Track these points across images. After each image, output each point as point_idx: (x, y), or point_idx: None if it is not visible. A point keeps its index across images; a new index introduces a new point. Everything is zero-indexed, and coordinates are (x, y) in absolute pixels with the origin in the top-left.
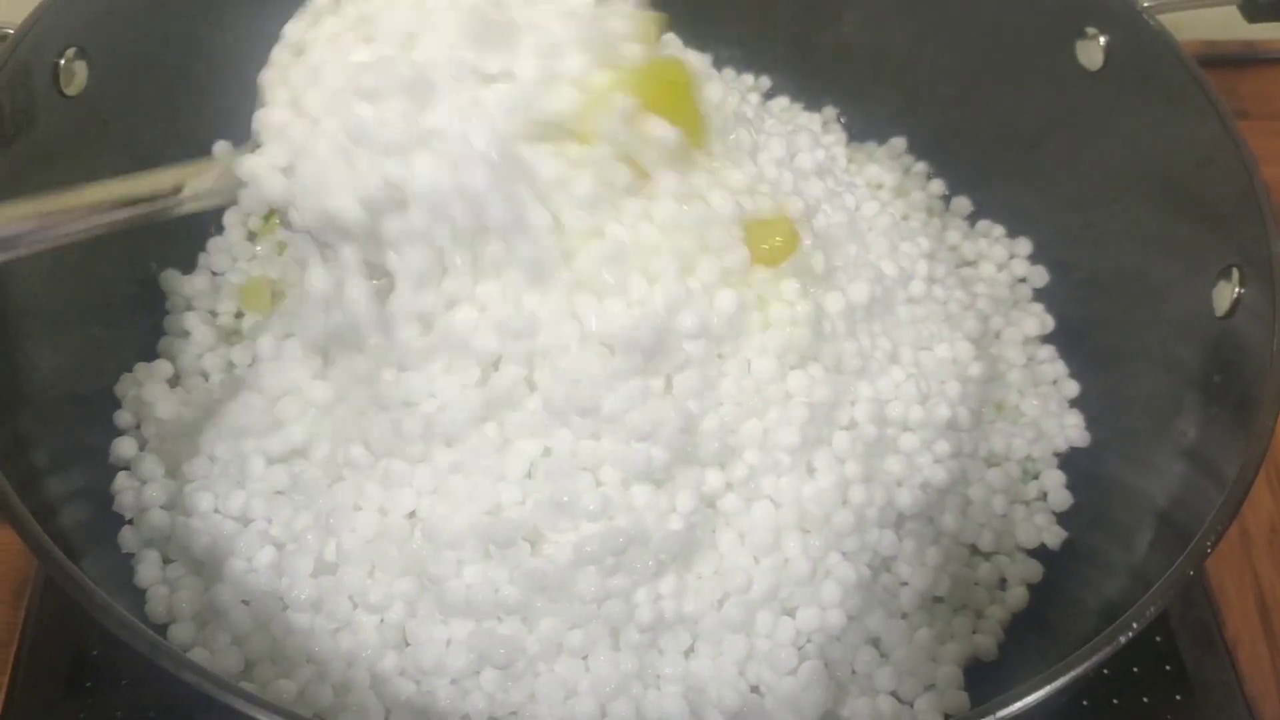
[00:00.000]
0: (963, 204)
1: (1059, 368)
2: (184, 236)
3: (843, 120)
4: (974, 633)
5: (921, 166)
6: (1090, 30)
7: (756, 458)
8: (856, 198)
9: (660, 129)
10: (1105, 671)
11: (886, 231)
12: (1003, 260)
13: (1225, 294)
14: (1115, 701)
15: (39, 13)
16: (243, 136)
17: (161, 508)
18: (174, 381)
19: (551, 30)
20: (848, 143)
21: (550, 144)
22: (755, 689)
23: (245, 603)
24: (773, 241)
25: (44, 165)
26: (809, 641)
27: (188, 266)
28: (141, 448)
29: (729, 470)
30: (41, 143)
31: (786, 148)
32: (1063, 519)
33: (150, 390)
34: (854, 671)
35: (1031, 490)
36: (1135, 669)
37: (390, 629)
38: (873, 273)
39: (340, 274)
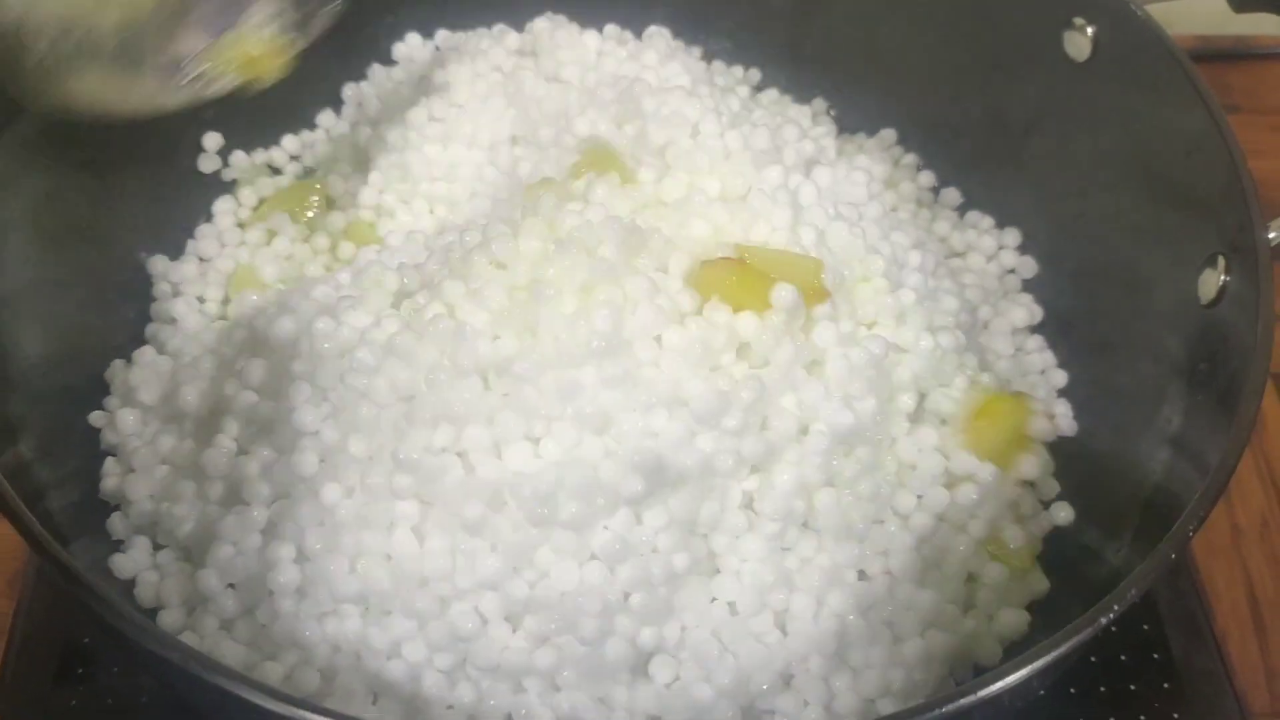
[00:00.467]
0: (952, 195)
1: (1047, 357)
2: (173, 223)
3: (832, 113)
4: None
5: (911, 158)
6: (1078, 21)
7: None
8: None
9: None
10: (1092, 659)
11: (878, 220)
12: (991, 251)
13: (1211, 282)
14: (1103, 689)
15: None
16: (232, 129)
17: (150, 496)
18: (161, 367)
19: None
20: (837, 135)
21: None
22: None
23: (231, 586)
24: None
25: (34, 151)
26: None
27: (175, 253)
28: (129, 435)
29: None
30: (32, 128)
31: (771, 139)
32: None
33: (138, 375)
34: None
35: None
36: (1123, 657)
37: (376, 616)
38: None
39: None
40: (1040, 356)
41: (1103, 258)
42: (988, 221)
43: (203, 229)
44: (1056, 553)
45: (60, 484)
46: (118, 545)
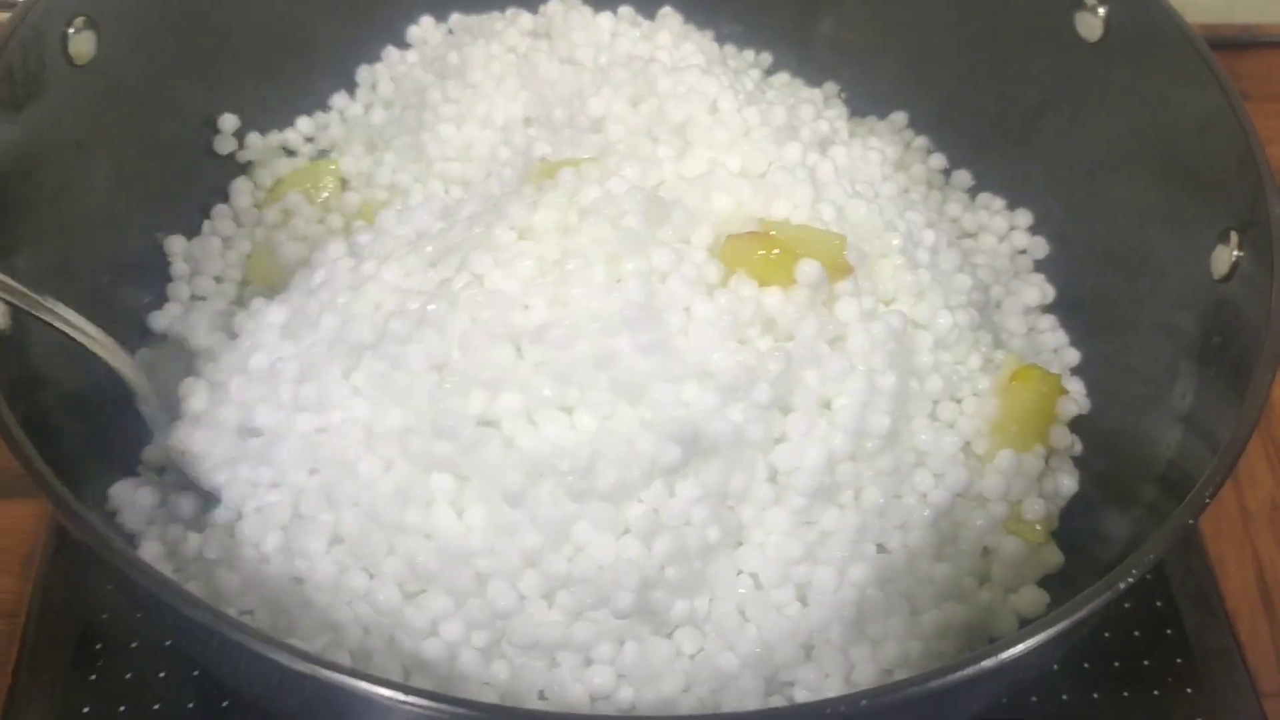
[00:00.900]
0: (963, 177)
1: (1059, 337)
2: (189, 204)
3: (843, 96)
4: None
5: (922, 141)
6: (1090, 1)
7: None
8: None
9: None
10: (1106, 635)
11: (893, 199)
12: (1003, 232)
13: (1224, 257)
14: (1116, 664)
15: None
16: (246, 108)
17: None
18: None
19: None
20: (849, 118)
21: None
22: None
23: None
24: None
25: (53, 132)
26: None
27: (192, 234)
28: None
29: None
30: (51, 111)
31: (788, 117)
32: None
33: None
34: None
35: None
36: (1136, 633)
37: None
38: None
39: None
40: (1053, 335)
41: (1114, 236)
42: (999, 203)
43: (219, 209)
44: (1070, 530)
45: (86, 464)
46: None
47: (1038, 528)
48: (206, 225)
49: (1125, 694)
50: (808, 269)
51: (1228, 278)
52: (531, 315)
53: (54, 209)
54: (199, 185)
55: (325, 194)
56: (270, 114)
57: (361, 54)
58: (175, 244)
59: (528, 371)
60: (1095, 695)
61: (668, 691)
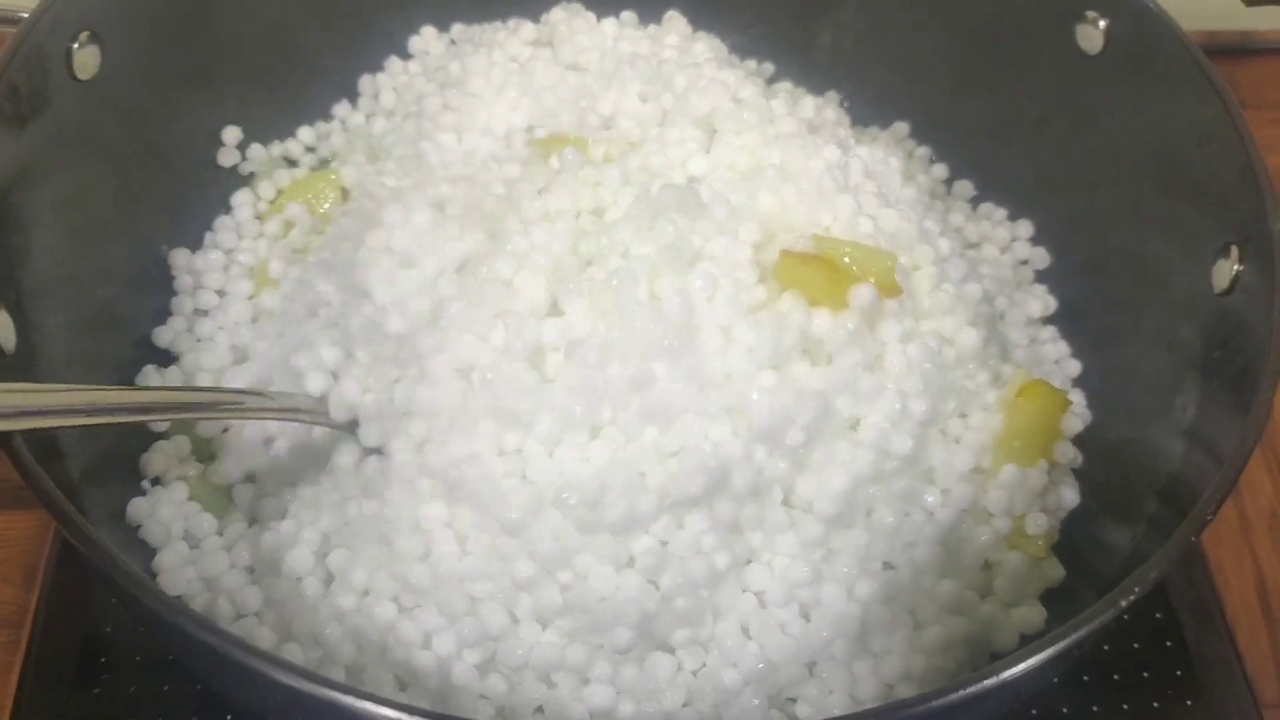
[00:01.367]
0: (965, 187)
1: (1061, 348)
2: (192, 216)
3: (845, 105)
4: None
5: (924, 150)
6: (1090, 14)
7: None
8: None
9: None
10: (1106, 647)
11: (913, 206)
12: (1005, 243)
13: (1225, 271)
14: (1116, 677)
15: None
16: (249, 120)
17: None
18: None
19: None
20: (850, 127)
21: None
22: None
23: (253, 581)
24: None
25: (57, 147)
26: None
27: (195, 246)
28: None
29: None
30: (55, 125)
31: (815, 112)
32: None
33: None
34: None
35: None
36: (1136, 645)
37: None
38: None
39: None
40: (1055, 347)
41: (1115, 248)
42: (1001, 213)
43: (221, 221)
44: (1071, 542)
45: (89, 473)
46: (135, 531)
47: (1040, 542)
48: (208, 238)
49: (1125, 706)
50: (864, 293)
51: (1229, 291)
52: (566, 327)
53: (58, 223)
54: (203, 198)
55: (327, 204)
56: (272, 125)
57: (363, 64)
58: (179, 257)
59: (553, 397)
60: (1095, 708)
61: (669, 706)
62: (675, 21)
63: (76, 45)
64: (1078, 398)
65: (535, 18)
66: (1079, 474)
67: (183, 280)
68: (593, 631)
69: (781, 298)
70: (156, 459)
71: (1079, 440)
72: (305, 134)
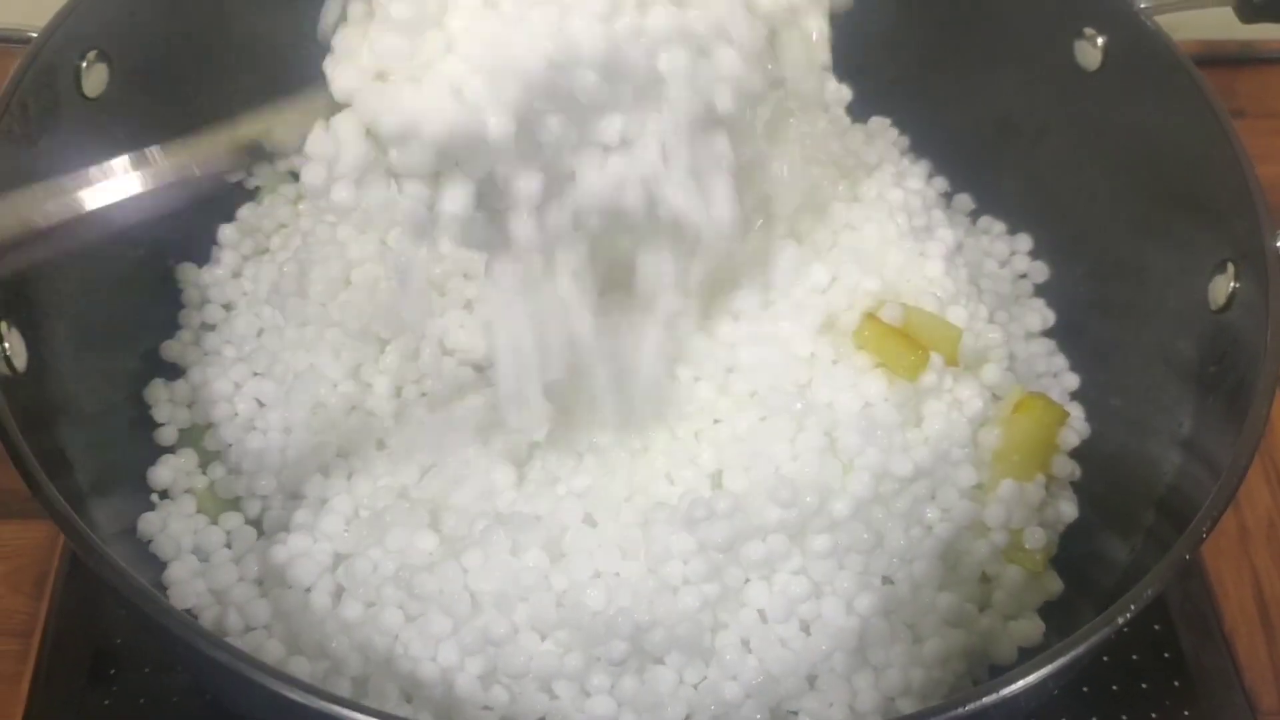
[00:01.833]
0: (964, 201)
1: (1059, 361)
2: (199, 231)
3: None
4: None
5: (923, 165)
6: (1089, 31)
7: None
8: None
9: None
10: (1105, 659)
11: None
12: (1004, 256)
13: (1221, 288)
14: (1115, 688)
15: (61, 16)
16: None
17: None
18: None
19: None
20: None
21: None
22: None
23: (262, 594)
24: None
25: (66, 165)
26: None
27: (202, 260)
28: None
29: None
30: (64, 143)
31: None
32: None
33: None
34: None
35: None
36: (1134, 656)
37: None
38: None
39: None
40: (1052, 360)
41: (1114, 262)
42: (1000, 227)
43: (226, 235)
44: (1069, 555)
45: (98, 486)
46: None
47: (1038, 556)
48: (214, 252)
49: (1123, 717)
50: (935, 367)
51: (1225, 308)
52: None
53: None
54: (209, 213)
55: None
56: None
57: None
58: (186, 271)
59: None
60: (1093, 719)
61: (670, 718)
62: None
63: (85, 64)
64: (1076, 411)
65: None
66: (1077, 487)
67: (190, 294)
68: (588, 643)
69: (854, 357)
70: (163, 472)
71: (1077, 453)
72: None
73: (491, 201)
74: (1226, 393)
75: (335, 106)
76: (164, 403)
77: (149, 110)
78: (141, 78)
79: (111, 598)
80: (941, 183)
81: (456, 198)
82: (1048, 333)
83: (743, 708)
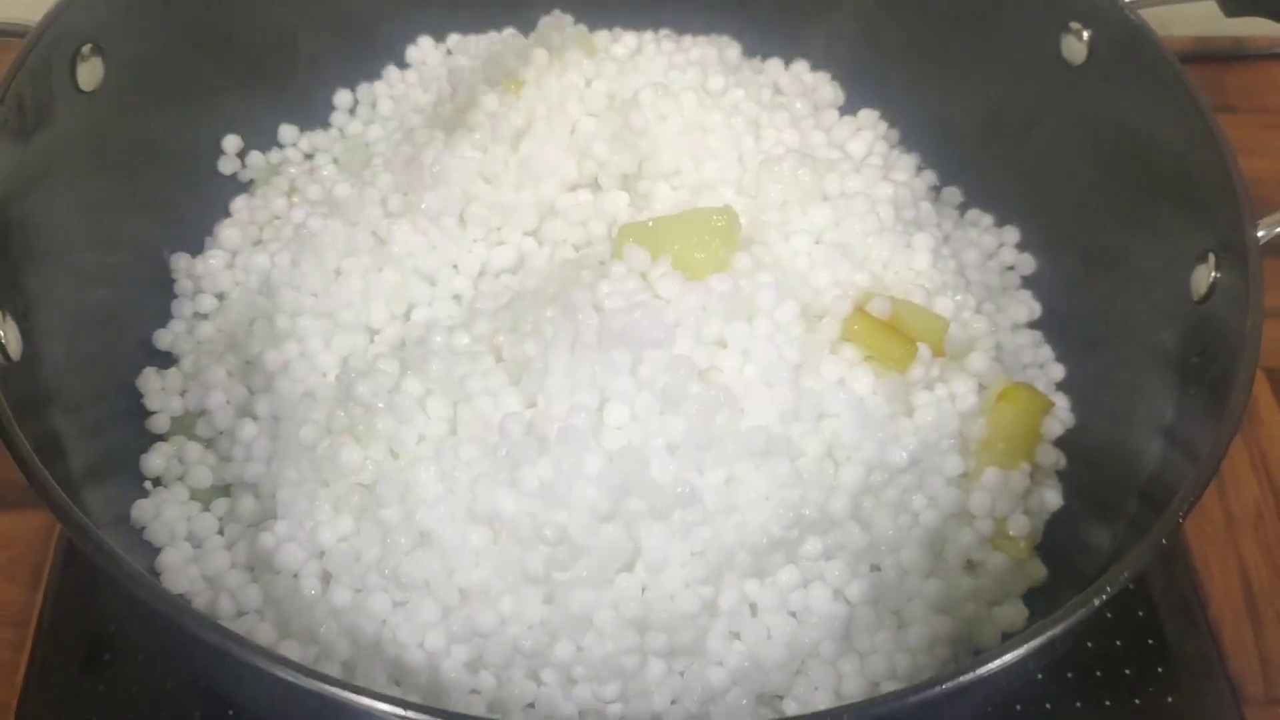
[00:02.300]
0: (953, 194)
1: (1045, 352)
2: (193, 222)
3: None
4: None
5: (912, 158)
6: (1074, 25)
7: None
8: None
9: None
10: (1089, 644)
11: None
12: (992, 249)
13: (1202, 278)
14: (1098, 674)
15: (57, 10)
16: (250, 128)
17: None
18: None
19: None
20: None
21: None
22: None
23: (253, 580)
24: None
25: (62, 158)
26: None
27: (196, 251)
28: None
29: None
30: (60, 136)
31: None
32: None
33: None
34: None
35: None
36: (1118, 642)
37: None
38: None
39: None
40: (1038, 350)
41: (1100, 255)
42: (988, 219)
43: (221, 226)
44: (1054, 543)
45: (92, 474)
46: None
47: (1022, 544)
48: (208, 242)
49: (1107, 703)
50: (923, 358)
51: (1206, 298)
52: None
53: (63, 230)
54: (204, 204)
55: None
56: (271, 133)
57: (361, 73)
58: (180, 261)
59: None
60: (1078, 704)
61: (657, 706)
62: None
63: (80, 57)
64: (1062, 401)
65: (526, 30)
66: (1062, 476)
67: (183, 284)
68: (575, 635)
69: (841, 349)
70: (156, 459)
71: (1062, 443)
72: (304, 143)
73: None
74: (1209, 383)
75: None
76: (157, 391)
77: (144, 103)
78: (136, 72)
79: (106, 585)
80: (930, 176)
81: None
82: (1034, 324)
83: (729, 694)
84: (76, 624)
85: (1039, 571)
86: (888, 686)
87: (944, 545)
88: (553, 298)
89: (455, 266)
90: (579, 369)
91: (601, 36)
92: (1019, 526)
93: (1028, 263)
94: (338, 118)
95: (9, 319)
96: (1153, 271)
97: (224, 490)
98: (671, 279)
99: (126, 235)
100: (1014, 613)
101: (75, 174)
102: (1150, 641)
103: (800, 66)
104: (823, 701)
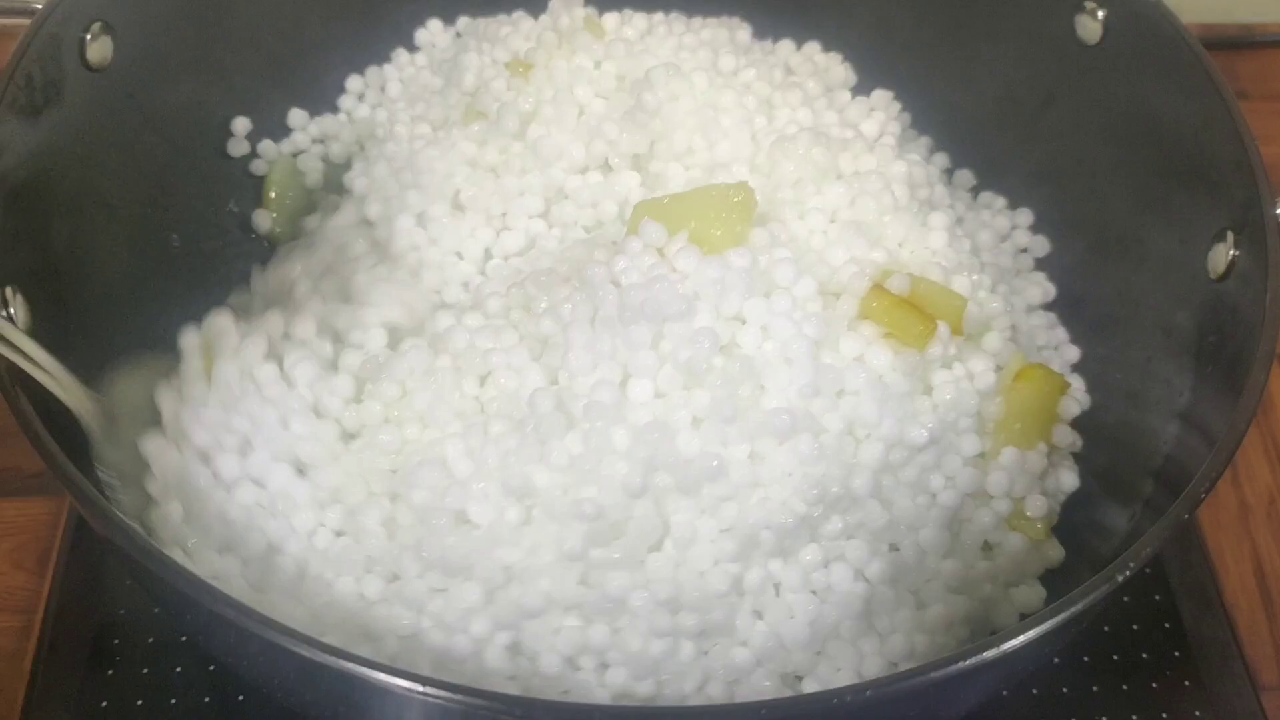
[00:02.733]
0: (965, 177)
1: (1060, 334)
2: (203, 203)
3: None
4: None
5: (925, 141)
6: (1089, 4)
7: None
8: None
9: None
10: (1105, 628)
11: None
12: (1005, 231)
13: (1220, 257)
14: (1115, 657)
15: None
16: (259, 111)
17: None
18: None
19: None
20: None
21: None
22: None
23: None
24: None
25: (71, 136)
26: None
27: (205, 231)
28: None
29: None
30: (69, 114)
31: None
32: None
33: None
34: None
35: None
36: (1135, 626)
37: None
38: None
39: None
40: (1053, 333)
41: (1114, 235)
42: (1001, 202)
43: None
44: (1070, 524)
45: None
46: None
47: (1039, 525)
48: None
49: (1124, 686)
50: (942, 337)
51: (1224, 277)
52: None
53: (72, 210)
54: (214, 185)
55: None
56: (280, 116)
57: (371, 57)
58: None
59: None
60: (1094, 688)
61: (687, 689)
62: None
63: (89, 36)
64: (1077, 383)
65: (536, 13)
66: (1078, 458)
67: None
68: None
69: (859, 326)
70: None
71: (1078, 424)
72: (313, 127)
73: None
74: (1225, 363)
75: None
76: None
77: (153, 82)
78: (146, 49)
79: (115, 567)
80: (942, 159)
81: None
82: (1048, 306)
83: (754, 675)
84: (84, 610)
85: (1056, 552)
86: (907, 666)
87: (961, 525)
88: (567, 276)
89: (459, 254)
90: (600, 344)
91: (611, 19)
92: (1036, 508)
93: (1041, 245)
94: (346, 101)
95: (19, 296)
96: (1168, 251)
97: None
98: (689, 253)
99: (134, 215)
100: (1031, 594)
101: (84, 153)
102: (1167, 625)
103: (812, 48)
104: (844, 681)
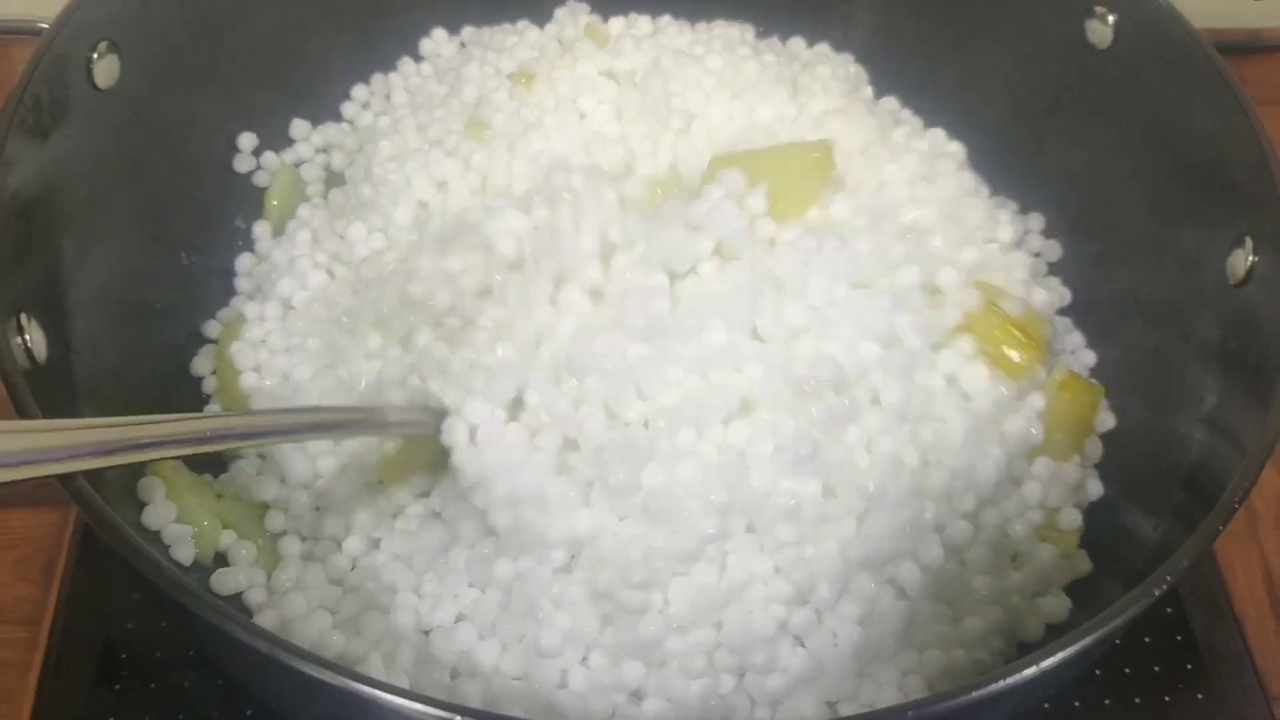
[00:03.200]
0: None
1: (1076, 339)
2: (212, 220)
3: None
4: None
5: None
6: (1099, 9)
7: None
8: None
9: None
10: (1117, 641)
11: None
12: (1018, 236)
13: (1240, 262)
14: (1127, 670)
15: (72, 6)
16: (263, 123)
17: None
18: None
19: None
20: None
21: None
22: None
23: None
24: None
25: (78, 155)
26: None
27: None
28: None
29: None
30: (77, 134)
31: None
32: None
33: None
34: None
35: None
36: (1146, 639)
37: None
38: None
39: None
40: (1069, 338)
41: (1128, 240)
42: (1012, 206)
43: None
44: (1094, 533)
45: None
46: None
47: (1070, 537)
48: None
49: (1136, 700)
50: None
51: (1244, 282)
52: None
53: (82, 230)
54: (222, 202)
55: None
56: (286, 128)
57: (375, 65)
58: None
59: None
60: (1107, 701)
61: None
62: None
63: (96, 55)
64: None
65: (541, 22)
66: (1100, 465)
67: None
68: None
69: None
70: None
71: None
72: (316, 137)
73: None
74: (1249, 369)
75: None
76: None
77: (159, 100)
78: (152, 67)
79: (122, 580)
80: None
81: None
82: (1063, 311)
83: (797, 700)
84: (91, 624)
85: (1084, 565)
86: (941, 683)
87: (994, 537)
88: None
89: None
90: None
91: (617, 23)
92: (1070, 520)
93: (1054, 249)
94: (350, 109)
95: (34, 322)
96: (1185, 256)
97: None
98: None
99: (145, 234)
100: (1057, 604)
101: (92, 173)
102: (1179, 638)
103: (823, 47)
104: (886, 699)
